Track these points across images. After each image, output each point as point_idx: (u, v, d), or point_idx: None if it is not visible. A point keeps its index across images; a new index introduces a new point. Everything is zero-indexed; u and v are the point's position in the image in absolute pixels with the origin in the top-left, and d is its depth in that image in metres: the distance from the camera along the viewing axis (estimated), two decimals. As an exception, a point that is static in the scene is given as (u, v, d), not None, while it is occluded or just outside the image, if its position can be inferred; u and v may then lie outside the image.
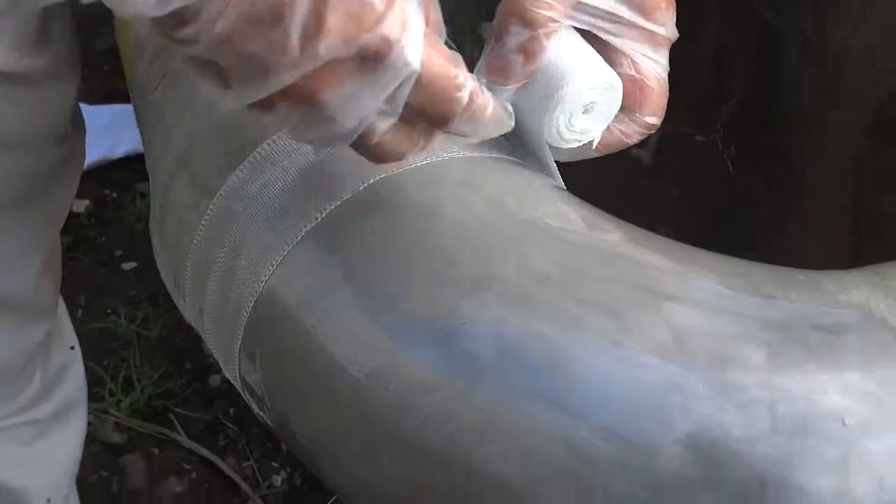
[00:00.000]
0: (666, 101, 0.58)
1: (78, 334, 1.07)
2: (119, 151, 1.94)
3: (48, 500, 1.01)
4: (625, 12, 0.56)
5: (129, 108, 1.95)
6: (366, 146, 0.51)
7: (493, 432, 0.49)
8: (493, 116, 0.52)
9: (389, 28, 0.47)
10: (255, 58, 0.47)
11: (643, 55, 0.57)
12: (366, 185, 0.55)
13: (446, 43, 0.51)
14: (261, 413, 0.59)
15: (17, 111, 0.71)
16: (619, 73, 0.56)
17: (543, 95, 0.55)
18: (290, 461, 1.55)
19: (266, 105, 0.49)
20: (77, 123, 0.82)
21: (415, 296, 0.51)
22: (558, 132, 0.56)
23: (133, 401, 1.60)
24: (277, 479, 1.54)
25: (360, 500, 0.59)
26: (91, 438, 1.51)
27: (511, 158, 0.58)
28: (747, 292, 0.51)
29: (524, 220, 0.54)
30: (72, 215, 1.84)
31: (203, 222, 0.58)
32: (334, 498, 1.48)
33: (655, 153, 1.08)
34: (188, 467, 1.56)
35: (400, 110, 0.50)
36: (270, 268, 0.55)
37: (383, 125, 0.50)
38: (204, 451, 1.56)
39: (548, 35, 0.55)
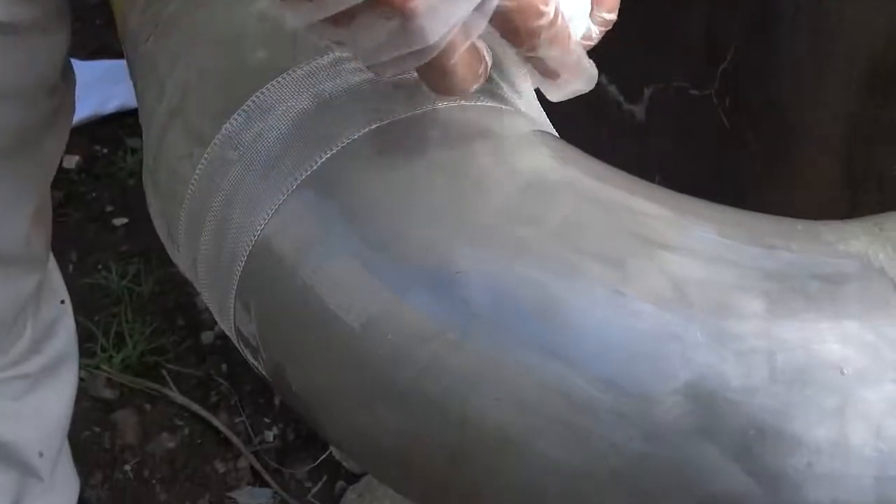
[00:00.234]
0: None
1: (69, 290, 1.07)
2: (110, 107, 1.94)
3: (40, 454, 1.01)
4: None
5: (119, 63, 1.96)
6: (441, 68, 0.50)
7: (488, 382, 0.49)
8: (576, 49, 0.52)
9: None
10: None
11: None
12: (361, 133, 0.54)
13: None
14: (256, 364, 0.58)
15: (7, 61, 0.70)
16: None
17: None
18: (283, 417, 1.55)
19: (345, 17, 0.47)
20: (67, 75, 0.81)
21: (410, 244, 0.51)
22: None
23: (125, 357, 1.60)
24: (269, 435, 1.55)
25: (356, 450, 0.59)
26: (83, 394, 1.52)
27: (508, 108, 0.58)
28: (746, 242, 0.51)
29: (522, 169, 0.53)
30: (62, 171, 1.84)
31: (197, 172, 0.58)
32: (327, 453, 1.49)
33: (649, 108, 1.08)
34: (180, 423, 1.56)
35: (488, 19, 0.48)
36: (265, 217, 0.54)
37: (464, 42, 0.49)
38: (196, 407, 1.56)
39: None
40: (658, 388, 0.47)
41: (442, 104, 0.55)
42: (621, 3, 0.57)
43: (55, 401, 1.03)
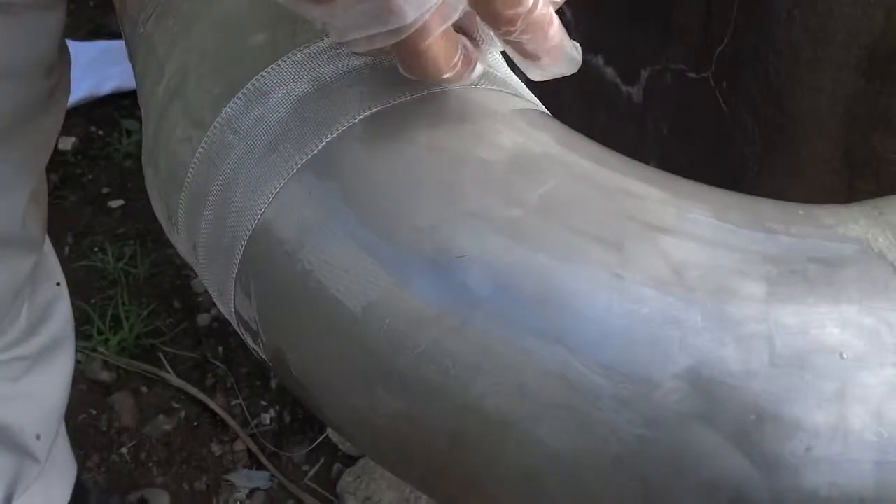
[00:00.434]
0: None
1: (65, 272, 1.07)
2: (105, 88, 1.94)
3: (37, 437, 1.01)
4: None
5: (115, 44, 1.95)
6: (415, 49, 0.50)
7: (488, 366, 0.49)
8: (557, 34, 0.52)
9: None
10: None
11: None
12: (362, 116, 0.54)
13: None
14: (255, 347, 0.58)
15: (4, 39, 0.70)
16: None
17: None
18: (279, 399, 1.55)
19: None
20: (63, 55, 0.81)
21: (411, 228, 0.51)
22: None
23: (121, 339, 1.60)
24: (266, 418, 1.55)
25: (355, 434, 0.59)
26: (79, 377, 1.52)
27: (507, 91, 0.58)
28: (746, 226, 0.51)
29: (522, 152, 0.53)
30: (58, 153, 1.84)
31: (197, 155, 0.58)
32: (324, 435, 1.49)
33: (646, 90, 1.07)
34: (177, 406, 1.56)
35: (466, 2, 0.49)
36: (266, 200, 0.54)
37: (439, 24, 0.49)
38: (193, 390, 1.56)
39: None
40: (658, 373, 0.47)
41: (441, 88, 0.55)
42: None
43: (52, 383, 1.03)
